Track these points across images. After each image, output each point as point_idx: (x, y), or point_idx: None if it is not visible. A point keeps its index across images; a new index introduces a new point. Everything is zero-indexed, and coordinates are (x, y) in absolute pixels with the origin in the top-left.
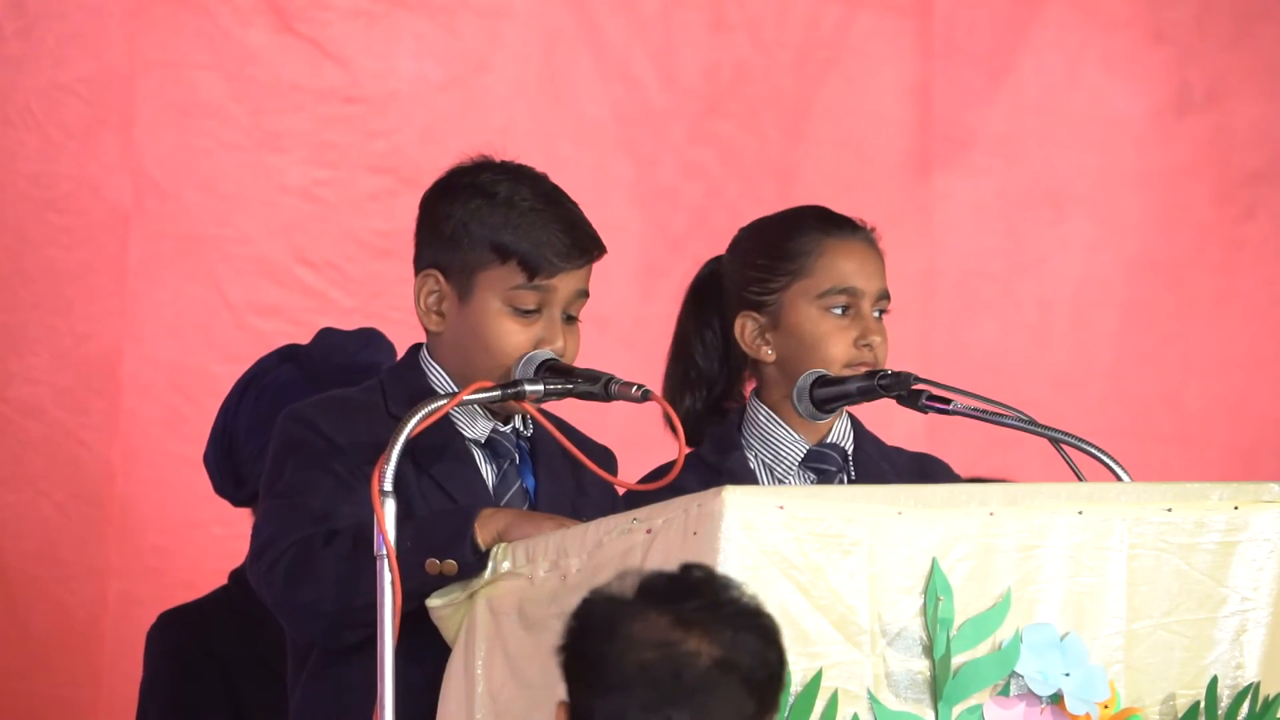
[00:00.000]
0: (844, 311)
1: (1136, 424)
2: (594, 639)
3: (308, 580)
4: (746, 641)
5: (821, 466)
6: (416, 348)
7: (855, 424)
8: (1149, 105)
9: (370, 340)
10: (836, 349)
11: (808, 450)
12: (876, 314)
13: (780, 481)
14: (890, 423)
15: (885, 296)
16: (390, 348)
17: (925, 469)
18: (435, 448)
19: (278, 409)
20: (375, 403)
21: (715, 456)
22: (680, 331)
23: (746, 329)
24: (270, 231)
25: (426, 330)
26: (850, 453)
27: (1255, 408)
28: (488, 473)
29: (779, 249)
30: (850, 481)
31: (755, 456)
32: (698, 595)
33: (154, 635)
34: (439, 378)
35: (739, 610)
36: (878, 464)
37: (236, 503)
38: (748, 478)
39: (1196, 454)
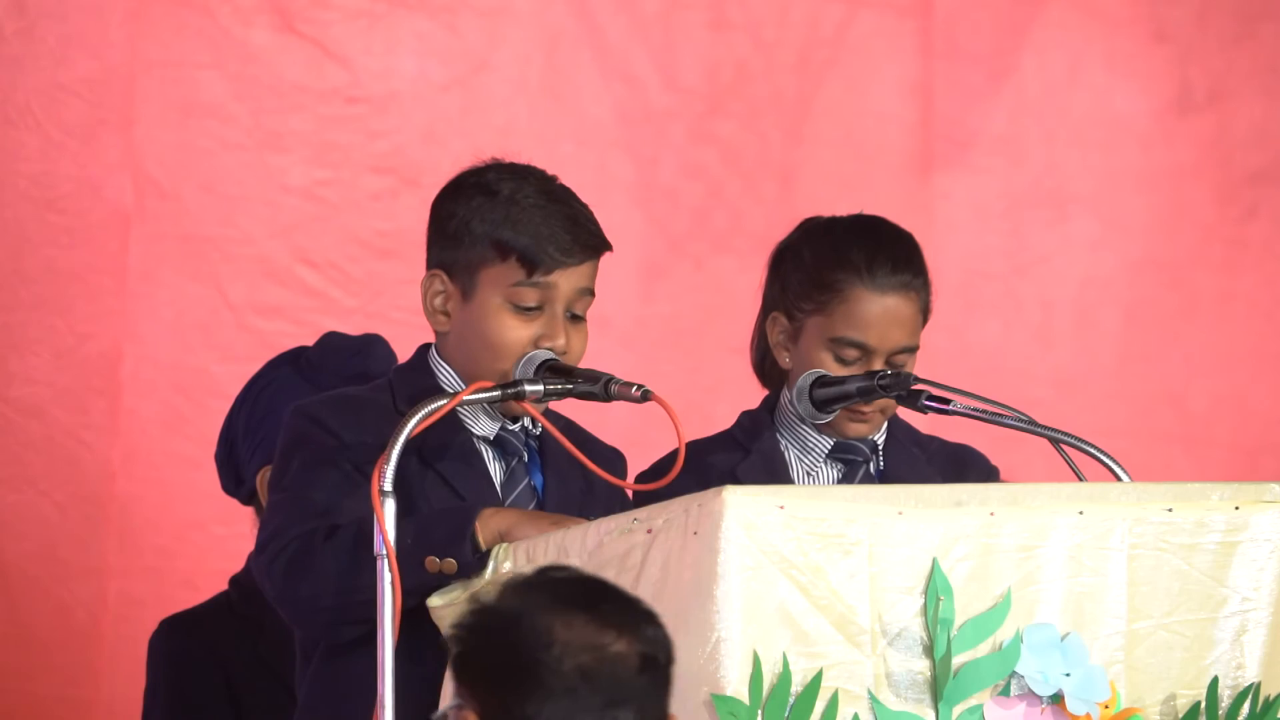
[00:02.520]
0: (852, 360)
1: (1139, 424)
2: (522, 647)
3: (309, 574)
4: (655, 634)
5: (849, 457)
6: (425, 347)
7: None
8: (1151, 105)
9: (364, 348)
10: None
11: (835, 442)
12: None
13: (809, 471)
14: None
15: (904, 350)
16: (388, 355)
17: (961, 458)
18: (444, 445)
19: (272, 410)
20: (383, 401)
21: (747, 438)
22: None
23: (776, 329)
24: (272, 232)
25: (435, 330)
26: (880, 444)
27: (1258, 407)
28: (495, 470)
29: (818, 275)
30: (879, 471)
31: (785, 443)
32: (604, 595)
33: (156, 641)
34: (447, 376)
35: (640, 605)
36: (909, 450)
37: (241, 501)
38: (777, 460)
39: (1199, 454)
